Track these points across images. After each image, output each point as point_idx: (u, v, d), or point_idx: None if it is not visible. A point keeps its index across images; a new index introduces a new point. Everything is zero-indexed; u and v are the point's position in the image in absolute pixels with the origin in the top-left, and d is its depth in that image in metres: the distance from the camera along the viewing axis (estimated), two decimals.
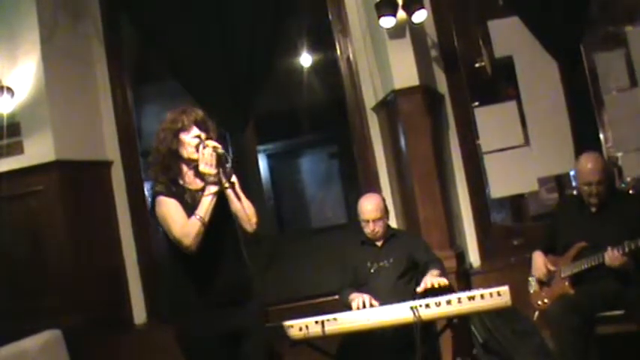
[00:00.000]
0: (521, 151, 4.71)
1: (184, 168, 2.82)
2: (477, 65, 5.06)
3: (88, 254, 4.61)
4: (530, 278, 3.73)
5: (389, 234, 3.79)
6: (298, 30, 5.79)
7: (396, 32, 4.31)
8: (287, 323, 3.17)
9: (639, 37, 4.61)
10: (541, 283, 3.67)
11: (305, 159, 9.16)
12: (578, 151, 4.13)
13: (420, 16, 4.25)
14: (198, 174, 2.79)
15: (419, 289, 3.39)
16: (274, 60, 5.04)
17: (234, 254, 2.80)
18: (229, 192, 2.78)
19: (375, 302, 3.45)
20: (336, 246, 4.14)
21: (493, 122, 4.75)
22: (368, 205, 3.75)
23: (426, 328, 3.28)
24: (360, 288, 3.64)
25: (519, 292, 3.46)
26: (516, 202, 5.38)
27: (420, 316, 3.08)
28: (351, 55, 4.91)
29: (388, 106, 4.52)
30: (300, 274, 5.00)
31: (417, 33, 4.44)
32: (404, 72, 4.31)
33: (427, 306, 3.10)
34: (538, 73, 4.68)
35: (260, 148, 7.31)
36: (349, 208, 7.93)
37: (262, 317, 2.92)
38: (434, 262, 3.66)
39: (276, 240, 5.80)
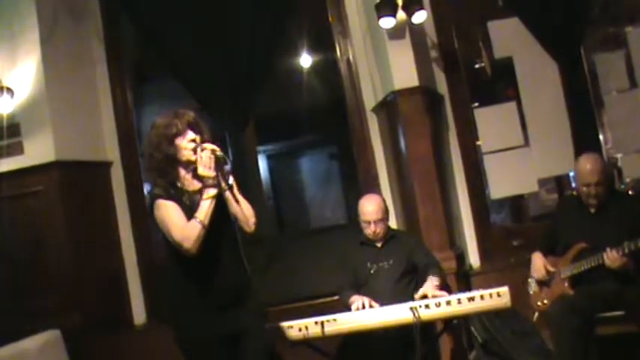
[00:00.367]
0: (521, 152, 4.71)
1: (182, 171, 2.82)
2: (476, 66, 5.06)
3: (87, 254, 4.61)
4: (529, 279, 3.73)
5: (389, 235, 3.79)
6: (298, 30, 5.79)
7: (396, 33, 4.31)
8: (286, 324, 3.17)
9: (639, 37, 4.61)
10: (541, 283, 3.68)
11: (305, 159, 9.17)
12: (578, 151, 4.13)
13: (420, 16, 4.25)
14: (196, 175, 2.79)
15: (417, 296, 3.38)
16: (274, 60, 5.04)
17: (233, 256, 2.80)
18: (228, 194, 2.78)
19: (375, 304, 3.45)
20: (336, 247, 4.14)
21: (493, 123, 4.76)
22: (369, 207, 3.74)
23: (426, 329, 3.28)
24: (360, 289, 3.64)
25: (519, 292, 3.47)
26: (516, 203, 5.38)
27: (419, 317, 3.08)
28: (350, 56, 4.91)
29: (388, 107, 4.52)
30: (299, 274, 5.00)
31: (416, 34, 4.44)
32: (404, 73, 4.31)
33: (427, 307, 3.11)
34: (538, 74, 4.68)
35: (260, 148, 7.32)
36: (349, 208, 7.94)
37: (262, 318, 2.92)
38: (433, 266, 3.65)
39: (276, 240, 5.80)
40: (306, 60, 6.37)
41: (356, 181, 5.14)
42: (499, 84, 5.21)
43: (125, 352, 4.58)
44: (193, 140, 2.77)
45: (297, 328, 3.17)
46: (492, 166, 4.75)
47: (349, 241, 3.91)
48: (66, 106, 4.69)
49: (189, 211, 2.71)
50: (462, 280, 4.30)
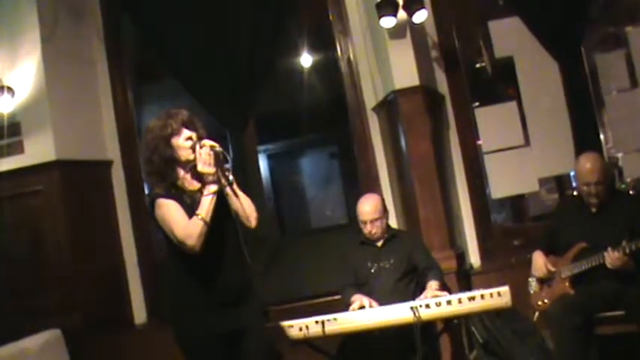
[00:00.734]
0: (522, 152, 4.71)
1: (181, 172, 2.81)
2: (477, 65, 5.06)
3: (88, 254, 4.61)
4: (530, 279, 3.73)
5: (389, 234, 3.79)
6: (299, 29, 5.78)
7: (397, 32, 4.31)
8: (287, 323, 3.17)
9: (639, 37, 4.61)
10: (541, 283, 3.68)
11: (305, 159, 9.15)
12: (579, 151, 4.13)
13: (421, 16, 4.25)
14: (196, 175, 2.78)
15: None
16: (275, 60, 5.04)
17: (235, 253, 2.79)
18: (229, 190, 2.78)
19: (374, 304, 3.45)
20: (337, 246, 4.14)
21: (493, 122, 4.75)
22: (365, 207, 3.75)
23: (426, 329, 3.28)
24: (361, 288, 3.64)
25: (519, 292, 3.46)
26: (517, 203, 5.37)
27: (420, 317, 3.08)
28: (351, 55, 4.91)
29: (388, 107, 4.52)
30: (300, 274, 5.00)
31: (417, 33, 4.43)
32: (404, 72, 4.31)
33: (427, 306, 3.11)
34: (538, 74, 4.68)
35: (260, 148, 7.31)
36: (349, 208, 7.93)
37: (263, 317, 2.91)
38: (433, 269, 3.65)
39: (277, 240, 5.79)
40: (306, 59, 6.36)
41: (356, 180, 5.13)
42: (500, 83, 5.21)
43: (125, 352, 4.59)
44: (190, 138, 2.76)
45: (297, 327, 3.17)
46: (493, 166, 4.75)
47: (350, 240, 3.92)
48: (66, 105, 4.69)
49: (191, 210, 2.70)
50: (462, 279, 4.29)
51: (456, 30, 4.84)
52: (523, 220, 5.42)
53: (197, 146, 2.73)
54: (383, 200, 3.88)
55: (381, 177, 4.81)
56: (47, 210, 4.48)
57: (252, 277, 2.90)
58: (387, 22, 4.22)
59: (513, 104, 4.76)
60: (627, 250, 3.24)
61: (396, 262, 3.68)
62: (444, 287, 3.57)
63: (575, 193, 4.02)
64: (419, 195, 4.30)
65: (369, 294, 3.53)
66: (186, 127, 2.78)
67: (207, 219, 2.67)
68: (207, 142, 2.74)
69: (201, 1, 4.81)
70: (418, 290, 3.57)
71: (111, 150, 5.07)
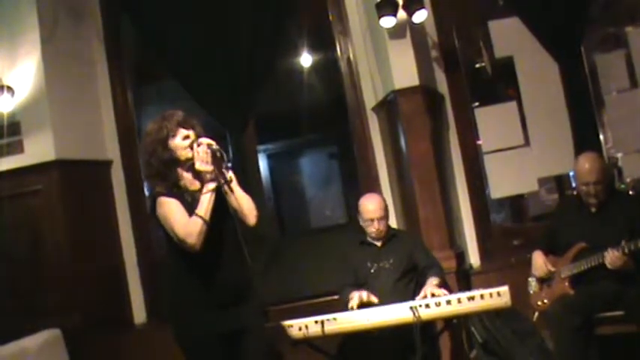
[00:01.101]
0: (522, 152, 4.71)
1: (181, 172, 2.82)
2: (477, 65, 5.06)
3: (87, 254, 4.61)
4: (530, 279, 3.73)
5: (389, 234, 3.80)
6: (298, 30, 5.78)
7: (397, 32, 4.31)
8: (287, 323, 3.17)
9: (639, 37, 4.61)
10: (541, 283, 3.68)
11: (305, 159, 9.15)
12: (578, 151, 4.13)
13: (421, 16, 4.25)
14: (196, 174, 2.79)
15: (417, 299, 3.38)
16: (274, 60, 5.04)
17: (234, 251, 2.79)
18: (227, 188, 2.78)
19: (373, 298, 3.45)
20: (336, 246, 4.14)
21: (493, 122, 4.75)
22: (370, 205, 3.75)
23: (426, 329, 3.28)
24: (360, 288, 3.64)
25: (519, 292, 3.47)
26: (516, 203, 5.37)
27: (419, 316, 3.08)
28: (351, 55, 4.91)
29: (388, 107, 4.52)
30: (299, 274, 5.00)
31: (417, 33, 4.44)
32: (404, 72, 4.31)
33: (427, 306, 3.11)
34: (538, 74, 4.68)
35: (260, 148, 7.30)
36: (349, 208, 7.92)
37: (263, 316, 2.92)
38: (433, 267, 3.66)
39: (276, 240, 5.79)
40: (306, 59, 6.36)
41: (356, 180, 5.13)
42: (499, 83, 5.21)
43: (125, 352, 4.59)
44: (187, 137, 2.77)
45: (297, 327, 3.17)
46: (492, 166, 4.75)
47: (349, 240, 3.92)
48: (66, 105, 4.70)
49: (191, 209, 2.72)
50: (462, 279, 4.30)
51: (456, 30, 4.84)
52: (523, 220, 5.42)
53: (195, 145, 2.74)
54: (384, 199, 3.89)
55: (381, 177, 4.81)
56: (47, 210, 4.48)
57: (252, 277, 2.90)
58: (387, 22, 4.22)
59: (513, 104, 4.76)
60: (627, 250, 3.24)
61: (395, 262, 3.68)
62: (444, 284, 3.57)
63: (574, 193, 4.01)
64: (419, 195, 4.30)
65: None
66: (183, 127, 2.79)
67: (207, 217, 2.68)
68: (204, 141, 2.75)
69: (201, 1, 4.81)
70: (418, 290, 3.57)
71: (111, 150, 5.07)
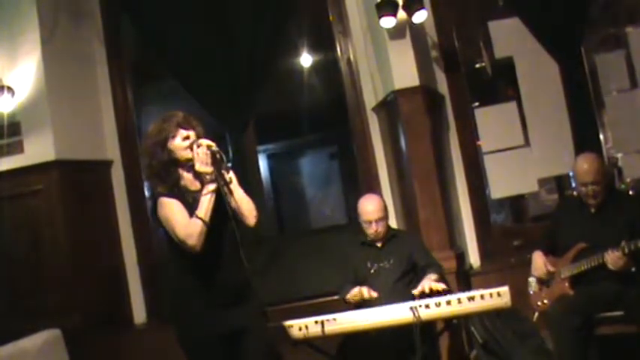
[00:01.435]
0: (522, 152, 4.71)
1: (182, 173, 2.82)
2: (477, 66, 5.06)
3: (87, 254, 4.61)
4: (530, 279, 3.73)
5: (389, 234, 3.79)
6: (298, 30, 5.78)
7: (397, 32, 4.31)
8: (287, 323, 3.17)
9: (639, 37, 4.61)
10: (541, 283, 3.68)
11: (305, 159, 9.15)
12: (578, 152, 4.13)
13: (421, 16, 4.25)
14: (197, 175, 2.79)
15: (415, 292, 3.39)
16: (274, 60, 5.04)
17: (234, 252, 2.79)
18: (227, 189, 2.78)
19: (373, 293, 3.45)
20: (336, 246, 4.14)
21: (493, 123, 4.76)
22: (369, 206, 3.74)
23: (426, 329, 3.28)
24: (360, 286, 3.64)
25: (519, 292, 3.47)
26: (516, 203, 5.37)
27: (419, 317, 3.08)
28: (351, 56, 4.91)
29: (388, 107, 4.52)
30: (300, 274, 5.00)
31: (417, 33, 4.44)
32: (404, 72, 4.31)
33: (427, 306, 3.11)
34: (538, 74, 4.68)
35: (260, 148, 7.30)
36: (349, 208, 7.93)
37: (263, 317, 2.92)
38: (432, 266, 3.66)
39: (276, 240, 5.79)
40: (306, 59, 6.36)
41: (356, 181, 5.13)
42: (499, 84, 5.21)
43: (125, 352, 4.58)
44: (187, 138, 2.77)
45: (297, 327, 3.17)
46: (492, 166, 4.75)
47: (349, 241, 3.92)
48: (66, 105, 4.70)
49: (192, 210, 2.72)
50: (462, 280, 4.30)
51: (456, 30, 4.84)
52: (523, 221, 5.42)
53: (194, 146, 2.74)
54: (383, 200, 3.88)
55: (381, 177, 4.81)
56: (47, 210, 4.48)
57: (251, 277, 2.90)
58: (387, 22, 4.22)
59: (513, 104, 4.76)
60: (626, 250, 3.24)
61: (395, 262, 3.68)
62: (443, 280, 3.57)
63: (574, 193, 4.01)
64: (419, 195, 4.30)
65: None
66: (182, 128, 2.78)
67: (206, 218, 2.68)
68: (204, 142, 2.75)
69: (201, 1, 4.81)
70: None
71: (111, 150, 5.07)
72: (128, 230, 5.03)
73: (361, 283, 3.68)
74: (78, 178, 4.68)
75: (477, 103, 4.89)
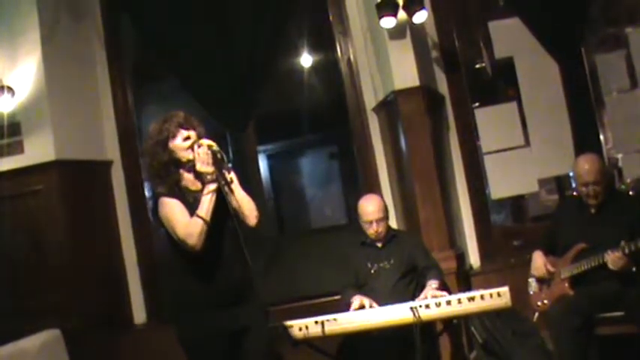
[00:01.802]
0: (522, 152, 4.71)
1: (183, 172, 2.82)
2: (477, 66, 5.06)
3: (88, 254, 4.61)
4: (530, 279, 3.73)
5: (390, 235, 3.79)
6: (298, 30, 5.78)
7: (397, 33, 4.31)
8: (287, 323, 3.17)
9: (639, 37, 4.61)
10: (541, 283, 3.68)
11: (305, 159, 9.14)
12: (579, 152, 4.14)
13: (421, 16, 4.25)
14: (198, 175, 2.79)
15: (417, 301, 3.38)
16: (275, 61, 5.04)
17: (235, 252, 2.79)
18: (228, 189, 2.78)
19: (375, 305, 3.45)
20: (336, 246, 4.14)
21: (493, 123, 4.76)
22: (369, 207, 3.74)
23: (426, 329, 3.28)
24: (361, 289, 3.64)
25: (519, 293, 3.47)
26: (516, 203, 5.37)
27: (419, 317, 3.08)
28: (351, 56, 4.91)
29: (388, 107, 4.52)
30: (300, 274, 5.00)
31: (417, 33, 4.44)
32: (404, 72, 4.31)
33: (427, 307, 3.12)
34: (538, 74, 4.68)
35: (260, 148, 7.28)
36: (349, 208, 7.92)
37: (264, 317, 2.92)
38: (432, 269, 3.65)
39: (276, 240, 5.79)
40: (306, 60, 6.36)
41: (356, 181, 5.13)
42: (500, 84, 5.21)
43: (125, 352, 4.59)
44: (187, 138, 2.78)
45: (297, 327, 3.17)
46: (492, 167, 4.75)
47: (350, 241, 3.91)
48: (66, 105, 4.70)
49: (193, 210, 2.72)
50: (462, 280, 4.30)
51: (456, 30, 4.84)
52: (523, 221, 5.42)
53: (195, 146, 2.75)
54: (383, 200, 3.88)
55: (381, 177, 4.81)
56: (47, 210, 4.47)
57: (253, 277, 2.90)
58: (387, 22, 4.22)
59: (513, 105, 4.76)
60: (626, 251, 3.24)
61: (395, 263, 3.68)
62: (444, 287, 3.57)
63: (575, 193, 4.02)
64: (419, 195, 4.30)
65: (368, 294, 3.53)
66: (183, 128, 2.79)
67: (207, 218, 2.69)
68: (205, 142, 2.76)
69: (201, 2, 4.81)
70: (418, 290, 3.57)
71: (111, 150, 5.07)
72: (128, 230, 5.03)
73: (362, 284, 3.68)
74: (78, 179, 4.68)
75: (477, 104, 4.89)
